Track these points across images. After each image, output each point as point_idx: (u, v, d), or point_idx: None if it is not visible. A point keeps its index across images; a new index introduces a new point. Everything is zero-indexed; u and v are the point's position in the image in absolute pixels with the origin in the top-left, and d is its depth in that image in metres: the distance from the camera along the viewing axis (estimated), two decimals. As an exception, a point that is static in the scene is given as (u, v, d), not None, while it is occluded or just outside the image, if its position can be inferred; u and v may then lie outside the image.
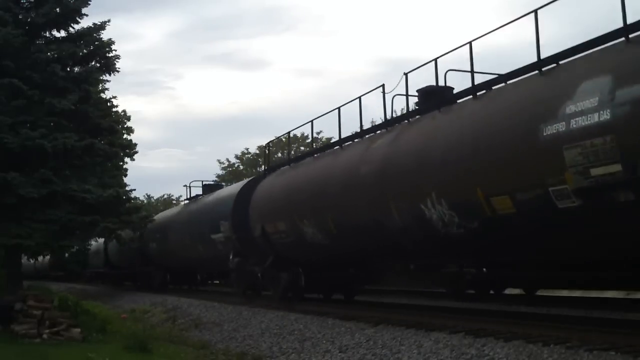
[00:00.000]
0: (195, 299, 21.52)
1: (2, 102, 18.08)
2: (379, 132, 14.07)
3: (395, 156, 12.03)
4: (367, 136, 14.42)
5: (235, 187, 21.84)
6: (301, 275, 16.50)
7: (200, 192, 27.42)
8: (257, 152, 50.29)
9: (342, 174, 13.80)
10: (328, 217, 14.14)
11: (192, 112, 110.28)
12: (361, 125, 14.88)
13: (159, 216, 30.96)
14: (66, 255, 41.48)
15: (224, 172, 51.35)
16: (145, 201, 61.55)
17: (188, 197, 27.62)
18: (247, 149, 51.01)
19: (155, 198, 67.45)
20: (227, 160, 51.56)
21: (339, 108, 15.43)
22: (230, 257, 19.36)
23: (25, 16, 19.86)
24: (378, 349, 10.21)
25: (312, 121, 17.10)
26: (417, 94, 12.88)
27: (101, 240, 34.52)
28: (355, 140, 15.05)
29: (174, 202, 62.13)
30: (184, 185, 28.33)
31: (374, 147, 13.01)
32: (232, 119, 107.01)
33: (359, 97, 14.46)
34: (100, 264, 37.68)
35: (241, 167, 50.74)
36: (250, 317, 15.66)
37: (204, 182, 28.16)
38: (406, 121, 12.99)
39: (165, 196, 68.59)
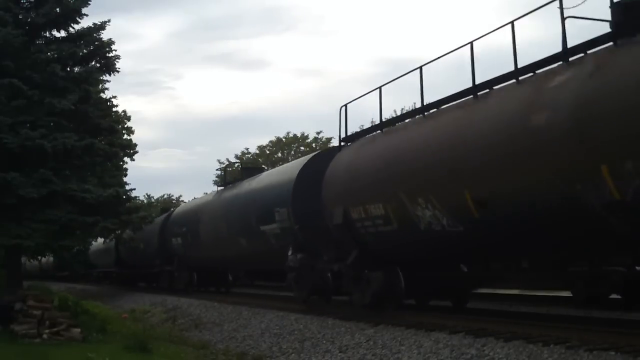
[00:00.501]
0: (196, 299, 21.51)
1: (2, 102, 18.06)
2: (547, 68, 9.57)
3: (601, 96, 8.10)
4: (522, 77, 9.84)
5: (295, 165, 17.56)
6: (400, 275, 12.74)
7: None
8: (257, 152, 50.34)
9: (492, 131, 9.66)
10: (464, 195, 10.02)
11: (192, 112, 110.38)
12: (516, 62, 9.95)
13: (185, 207, 27.66)
14: (69, 255, 41.14)
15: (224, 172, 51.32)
16: (145, 201, 61.55)
17: (223, 182, 23.47)
18: (247, 149, 51.06)
19: (155, 198, 67.50)
20: (227, 160, 51.58)
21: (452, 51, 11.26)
22: (289, 252, 15.65)
23: (25, 16, 19.83)
24: (378, 349, 10.21)
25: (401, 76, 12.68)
26: (609, 13, 8.88)
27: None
28: (501, 85, 10.40)
29: (174, 201, 62.11)
30: (218, 169, 25.43)
31: (554, 87, 8.95)
32: (232, 119, 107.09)
33: (512, 23, 9.96)
34: (111, 263, 35.00)
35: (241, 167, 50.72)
36: (250, 317, 15.66)
37: (242, 165, 24.43)
38: (611, 44, 8.74)
39: (165, 196, 68.64)
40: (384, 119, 13.82)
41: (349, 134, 14.97)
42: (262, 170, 22.57)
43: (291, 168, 17.53)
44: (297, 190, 15.77)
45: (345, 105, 14.65)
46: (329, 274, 14.77)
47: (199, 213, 23.28)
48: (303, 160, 17.56)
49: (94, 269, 40.70)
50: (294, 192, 15.85)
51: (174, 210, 28.87)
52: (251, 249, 18.60)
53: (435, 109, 11.96)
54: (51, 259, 45.39)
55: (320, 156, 16.51)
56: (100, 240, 35.85)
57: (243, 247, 18.95)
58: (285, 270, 15.93)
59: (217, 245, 21.01)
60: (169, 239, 26.08)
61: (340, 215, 13.49)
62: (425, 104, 12.17)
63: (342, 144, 15.05)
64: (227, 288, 25.20)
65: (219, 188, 23.53)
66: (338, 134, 14.89)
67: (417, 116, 12.63)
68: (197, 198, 29.38)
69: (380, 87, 13.23)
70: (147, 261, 28.97)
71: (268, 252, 17.51)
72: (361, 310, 13.14)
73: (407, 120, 13.17)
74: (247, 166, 23.51)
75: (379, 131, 13.85)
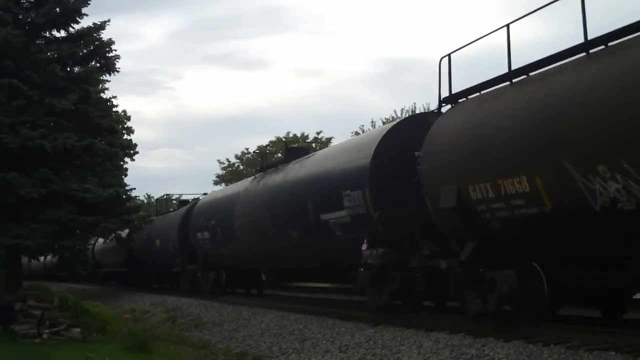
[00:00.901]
0: (196, 299, 21.50)
1: (2, 102, 18.09)
2: None
3: None
4: None
5: (371, 138, 13.96)
6: (542, 276, 9.50)
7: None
8: (257, 152, 50.36)
9: None
10: None
11: (192, 112, 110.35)
12: None
13: (212, 197, 23.96)
14: (71, 254, 40.69)
15: (224, 172, 51.39)
16: (145, 201, 61.56)
17: (262, 167, 19.88)
18: (247, 149, 51.08)
19: (155, 198, 67.53)
20: (227, 160, 51.63)
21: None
22: (364, 247, 12.54)
23: (25, 16, 19.87)
24: (378, 349, 10.21)
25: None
26: None
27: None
28: None
29: (174, 201, 62.02)
30: (257, 151, 20.65)
31: None
32: (232, 119, 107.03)
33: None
34: (120, 263, 32.21)
35: (241, 167, 50.79)
36: (250, 317, 15.66)
37: (286, 145, 18.93)
38: None
39: (166, 196, 68.58)
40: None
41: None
42: (307, 151, 18.66)
43: (366, 141, 14.06)
44: (376, 168, 12.57)
45: (449, 55, 11.22)
46: (418, 274, 11.55)
47: (232, 203, 19.83)
48: (382, 130, 13.91)
49: (100, 269, 38.37)
50: (371, 170, 12.58)
51: (197, 201, 25.17)
52: (305, 243, 15.52)
53: (603, 46, 8.58)
54: (55, 258, 44.84)
55: (406, 123, 13.16)
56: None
57: (294, 241, 15.83)
58: (361, 268, 12.75)
59: (258, 239, 17.85)
60: (192, 234, 22.84)
61: (452, 196, 10.18)
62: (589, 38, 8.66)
63: (443, 105, 11.66)
64: (259, 290, 22.09)
65: (257, 174, 19.83)
66: (438, 93, 11.55)
67: (574, 57, 8.98)
68: (228, 186, 25.62)
69: (507, 25, 10.15)
70: (165, 260, 25.69)
71: (330, 247, 14.50)
72: (476, 322, 10.01)
73: (552, 66, 9.41)
74: (292, 146, 18.66)
75: (506, 83, 10.13)
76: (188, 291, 23.29)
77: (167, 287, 28.34)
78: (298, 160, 17.12)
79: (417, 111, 37.15)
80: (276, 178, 17.53)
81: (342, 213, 13.49)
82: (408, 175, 11.77)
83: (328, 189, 14.20)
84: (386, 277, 12.19)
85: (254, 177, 20.08)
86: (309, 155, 17.28)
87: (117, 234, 25.51)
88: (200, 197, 26.49)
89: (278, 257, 18.08)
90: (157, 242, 26.14)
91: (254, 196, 18.41)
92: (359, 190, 12.81)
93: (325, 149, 18.20)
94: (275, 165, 18.61)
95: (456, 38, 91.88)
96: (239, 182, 23.59)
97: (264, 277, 22.04)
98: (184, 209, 25.74)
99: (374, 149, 12.81)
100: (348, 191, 13.19)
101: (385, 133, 13.04)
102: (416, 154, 11.69)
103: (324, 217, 14.18)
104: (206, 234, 21.59)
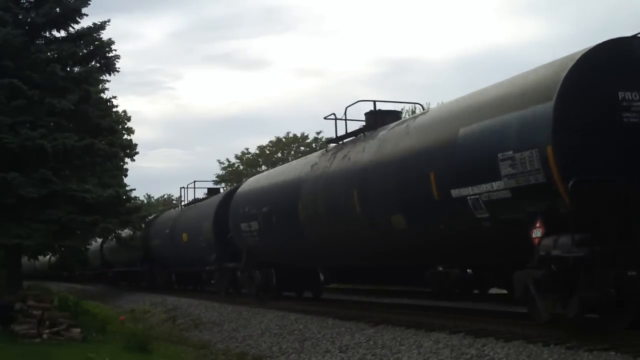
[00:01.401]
0: (196, 299, 21.48)
1: (2, 102, 18.08)
2: None
3: None
4: None
5: (550, 70, 9.05)
6: None
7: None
8: (257, 152, 50.36)
9: None
10: None
11: (192, 112, 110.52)
12: None
13: (263, 178, 19.21)
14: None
15: (224, 172, 51.42)
16: (145, 201, 61.69)
17: (335, 137, 15.40)
18: (247, 149, 51.10)
19: (155, 198, 67.62)
20: (227, 160, 51.66)
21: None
22: (536, 233, 8.61)
23: (25, 16, 19.86)
24: (378, 349, 10.21)
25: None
26: None
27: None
28: None
29: (174, 202, 62.21)
30: (330, 118, 15.05)
31: None
32: (232, 119, 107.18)
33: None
34: (134, 261, 29.46)
35: (241, 167, 50.82)
36: (250, 317, 15.65)
37: (375, 107, 14.33)
38: None
39: (165, 196, 68.77)
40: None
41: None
42: (399, 114, 14.75)
43: (538, 77, 9.21)
44: (563, 115, 8.35)
45: None
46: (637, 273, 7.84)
47: (296, 184, 15.76)
48: (564, 62, 8.88)
49: (110, 269, 35.76)
50: (556, 116, 8.34)
51: (239, 186, 21.26)
52: (418, 231, 11.47)
53: None
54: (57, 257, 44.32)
55: (598, 53, 8.64)
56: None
57: (398, 229, 11.77)
58: (535, 266, 8.59)
59: (336, 228, 13.89)
60: (234, 225, 18.81)
61: None
62: None
63: None
64: (316, 292, 18.26)
65: (330, 145, 15.82)
66: None
67: None
68: (283, 165, 20.83)
69: None
70: (194, 257, 22.23)
71: (464, 234, 10.44)
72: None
73: None
74: (378, 110, 14.23)
75: None
76: (225, 294, 20.10)
77: (189, 288, 26.04)
78: (397, 123, 13.07)
79: (417, 111, 37.02)
80: (366, 148, 13.30)
81: (497, 185, 9.32)
82: (609, 126, 8.44)
83: (470, 152, 9.90)
84: (583, 276, 8.12)
85: (324, 150, 15.94)
86: (416, 115, 13.32)
87: (117, 233, 25.48)
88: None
89: (365, 252, 13.94)
90: (185, 235, 22.93)
91: (330, 174, 14.33)
92: (533, 150, 8.65)
93: (446, 103, 13.11)
94: (355, 134, 14.56)
95: (456, 38, 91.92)
96: (299, 160, 19.00)
97: (322, 277, 18.09)
98: (219, 196, 22.28)
99: (558, 86, 8.48)
100: (510, 152, 9.04)
101: (572, 66, 8.55)
102: (620, 95, 8.52)
103: (457, 192, 10.06)
104: (254, 225, 17.50)
